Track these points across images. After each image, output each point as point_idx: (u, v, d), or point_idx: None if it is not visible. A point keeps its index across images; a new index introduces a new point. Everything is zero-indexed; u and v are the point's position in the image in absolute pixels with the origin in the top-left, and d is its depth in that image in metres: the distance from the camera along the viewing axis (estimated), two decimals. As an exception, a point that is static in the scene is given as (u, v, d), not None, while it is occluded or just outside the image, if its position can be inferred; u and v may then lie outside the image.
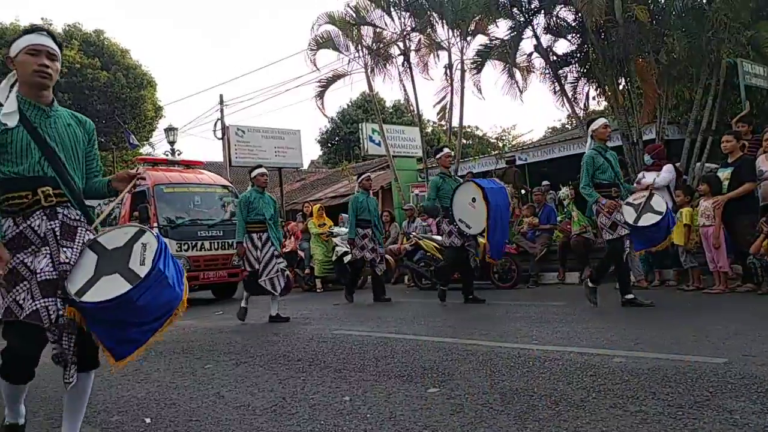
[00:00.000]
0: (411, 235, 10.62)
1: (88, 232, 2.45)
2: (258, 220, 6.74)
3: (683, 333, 4.26)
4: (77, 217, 2.43)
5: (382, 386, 3.39)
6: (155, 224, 9.34)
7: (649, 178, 7.47)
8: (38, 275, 2.23)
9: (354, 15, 14.75)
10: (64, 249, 2.31)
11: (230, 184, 11.59)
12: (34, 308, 2.18)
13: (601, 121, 6.09)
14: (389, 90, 76.89)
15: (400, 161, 17.20)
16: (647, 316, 5.28)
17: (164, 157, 14.96)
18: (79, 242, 2.37)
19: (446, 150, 7.59)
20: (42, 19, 25.55)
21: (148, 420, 3.09)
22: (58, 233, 2.33)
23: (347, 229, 11.99)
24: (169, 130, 19.33)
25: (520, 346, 4.25)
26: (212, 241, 10.00)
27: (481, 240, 7.18)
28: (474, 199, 6.77)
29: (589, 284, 5.97)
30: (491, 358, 3.89)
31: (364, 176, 8.64)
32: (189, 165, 11.90)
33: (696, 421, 2.41)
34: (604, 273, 6.04)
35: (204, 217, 10.36)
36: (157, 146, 25.79)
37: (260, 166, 7.23)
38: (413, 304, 7.41)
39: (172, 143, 18.96)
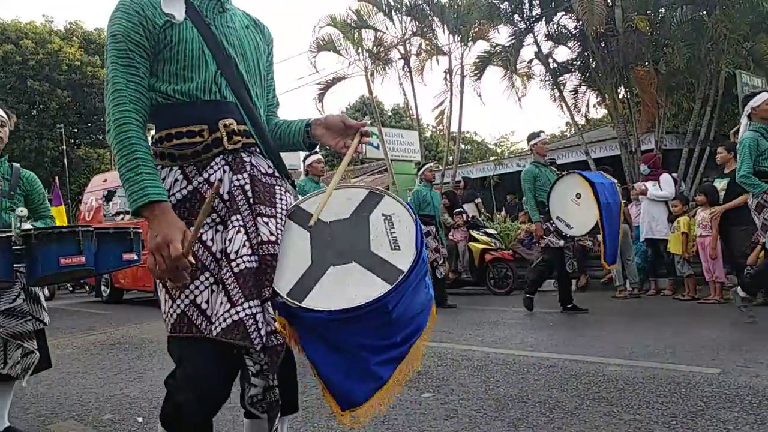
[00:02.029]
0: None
1: (287, 193, 1.60)
2: None
3: (678, 342, 4.27)
4: (268, 170, 1.58)
5: (376, 390, 3.38)
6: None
7: (652, 188, 7.49)
8: (234, 263, 1.39)
9: (355, 18, 14.79)
10: (265, 219, 1.46)
11: None
12: (235, 318, 1.34)
13: (765, 95, 4.92)
14: (388, 94, 77.10)
15: (398, 165, 17.22)
16: (642, 325, 5.28)
17: None
18: (281, 209, 1.53)
19: (543, 135, 6.66)
20: (43, 16, 25.57)
21: (140, 419, 3.08)
22: (249, 194, 1.48)
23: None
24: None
25: (515, 352, 4.25)
26: None
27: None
28: (579, 195, 5.89)
29: (740, 294, 4.97)
30: (486, 364, 3.89)
31: (426, 167, 7.61)
32: None
33: (689, 431, 2.41)
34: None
35: None
36: (156, 144, 25.75)
37: (315, 152, 6.16)
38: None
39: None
